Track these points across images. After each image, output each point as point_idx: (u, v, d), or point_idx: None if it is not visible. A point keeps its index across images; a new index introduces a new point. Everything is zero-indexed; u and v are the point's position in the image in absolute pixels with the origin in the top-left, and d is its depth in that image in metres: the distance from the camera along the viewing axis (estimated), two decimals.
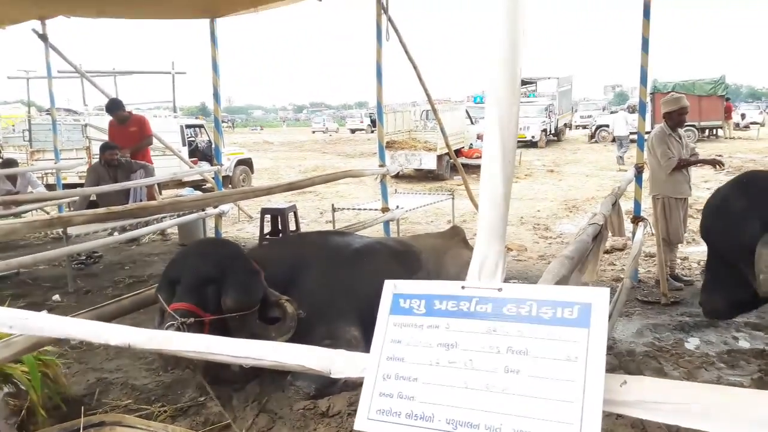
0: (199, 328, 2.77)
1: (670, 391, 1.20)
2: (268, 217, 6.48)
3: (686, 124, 5.79)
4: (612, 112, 31.74)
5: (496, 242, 1.50)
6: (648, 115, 15.07)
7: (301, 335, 2.97)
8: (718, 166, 5.82)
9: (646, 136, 5.92)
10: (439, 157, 15.33)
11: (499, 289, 1.42)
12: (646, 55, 5.53)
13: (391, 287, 1.54)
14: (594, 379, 1.22)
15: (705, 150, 18.55)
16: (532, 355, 1.30)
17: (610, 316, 3.16)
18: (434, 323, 1.44)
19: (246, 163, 14.65)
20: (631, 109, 21.82)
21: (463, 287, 1.47)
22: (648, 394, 1.21)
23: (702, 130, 25.39)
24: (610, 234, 4.36)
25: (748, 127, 31.43)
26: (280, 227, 6.30)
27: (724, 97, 26.12)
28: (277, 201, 8.97)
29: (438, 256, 4.28)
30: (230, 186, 12.87)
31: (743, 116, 33.53)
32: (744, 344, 4.10)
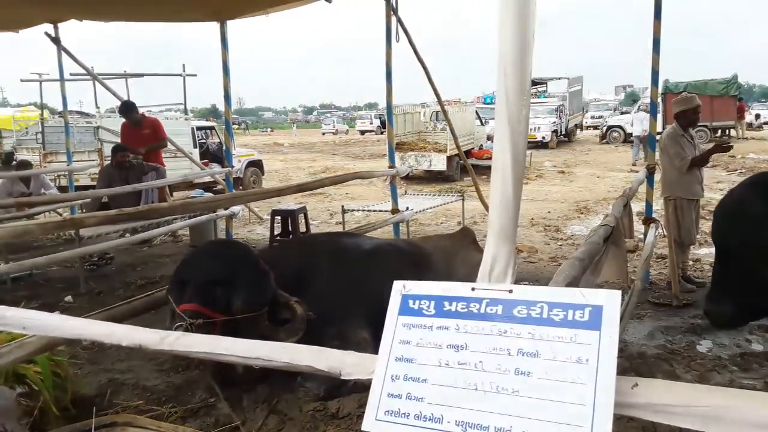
0: (208, 329, 2.77)
1: (681, 393, 1.19)
2: (278, 218, 6.50)
3: (698, 124, 5.73)
4: (623, 113, 31.57)
5: (506, 243, 1.50)
6: (659, 116, 15.07)
7: (311, 337, 2.97)
8: (727, 144, 5.75)
9: (657, 137, 5.89)
10: (449, 159, 15.30)
11: (510, 291, 1.42)
12: (657, 56, 5.50)
13: (400, 288, 1.54)
14: (605, 382, 1.21)
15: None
16: (542, 357, 1.30)
17: (621, 319, 3.14)
18: (444, 324, 1.43)
19: (256, 164, 14.69)
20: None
21: (473, 288, 1.46)
22: (659, 397, 1.20)
23: (714, 130, 25.16)
24: None
25: (762, 128, 31.10)
26: (290, 228, 6.32)
27: (737, 97, 25.87)
28: (288, 202, 9.01)
29: (448, 257, 4.28)
30: (241, 188, 12.92)
31: (758, 116, 33.17)
32: (757, 347, 4.05)
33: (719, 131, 26.06)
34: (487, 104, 25.24)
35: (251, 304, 3.01)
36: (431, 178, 15.66)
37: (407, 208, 6.97)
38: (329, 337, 3.11)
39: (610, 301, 1.31)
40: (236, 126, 58.24)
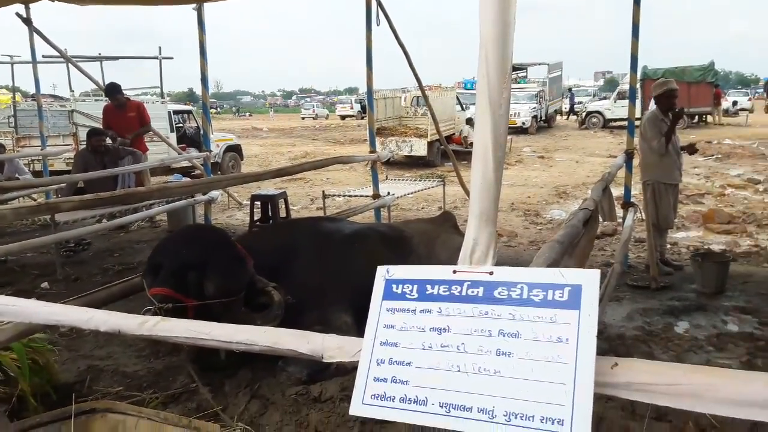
0: (180, 314, 2.69)
1: (660, 372, 1.21)
2: (258, 203, 6.45)
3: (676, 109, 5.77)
4: (602, 98, 31.77)
5: (487, 226, 1.50)
6: (638, 102, 15.18)
7: (292, 322, 2.93)
8: (695, 149, 5.89)
9: (636, 122, 5.93)
10: (430, 144, 15.31)
11: (491, 273, 1.43)
12: (636, 42, 5.51)
13: (383, 273, 1.54)
14: (585, 361, 1.22)
15: (693, 136, 18.68)
16: (523, 338, 1.31)
17: (600, 300, 3.18)
18: (427, 307, 1.44)
19: (235, 149, 14.56)
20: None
21: (454, 271, 1.47)
22: (638, 376, 1.22)
23: (691, 116, 25.47)
24: (601, 219, 4.38)
25: (738, 114, 31.53)
26: (270, 214, 6.27)
27: (714, 84, 26.20)
28: (268, 188, 8.94)
29: (429, 241, 4.29)
30: (219, 173, 12.81)
31: (735, 103, 33.57)
32: (732, 327, 4.14)
33: (696, 117, 26.40)
34: (468, 90, 25.23)
35: (225, 290, 2.97)
36: (412, 163, 15.67)
37: (388, 194, 6.96)
38: (311, 322, 3.11)
39: (589, 280, 1.32)
40: (213, 110, 57.74)
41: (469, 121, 17.58)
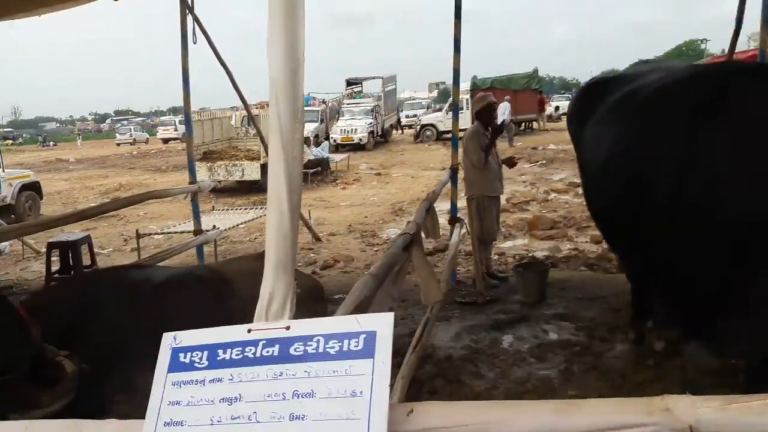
0: None
1: (452, 413, 1.27)
2: (57, 251, 5.91)
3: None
4: (436, 110, 33.65)
5: (284, 275, 1.51)
6: (468, 113, 16.20)
7: (92, 395, 2.72)
8: (514, 162, 6.53)
9: (461, 135, 6.32)
10: (263, 167, 15.08)
11: (287, 327, 1.42)
12: (458, 56, 5.87)
13: (170, 341, 1.49)
14: (378, 414, 1.23)
15: (520, 143, 20.45)
16: (317, 397, 1.30)
17: (427, 323, 3.33)
18: (217, 376, 1.40)
19: (33, 187, 13.23)
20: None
21: (249, 330, 1.45)
22: (433, 420, 1.26)
23: (518, 123, 27.87)
24: (425, 237, 4.59)
25: (560, 119, 35.08)
26: (71, 263, 5.77)
27: (538, 91, 28.97)
28: (72, 231, 8.22)
29: (255, 279, 4.18)
30: (13, 216, 11.58)
31: (557, 108, 37.34)
32: (552, 336, 4.55)
33: (523, 124, 28.97)
34: (305, 106, 25.26)
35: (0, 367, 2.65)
36: (244, 188, 15.34)
37: (214, 227, 6.75)
38: (115, 390, 2.89)
39: (383, 324, 1.34)
40: (10, 141, 52.20)
41: (306, 141, 17.66)
